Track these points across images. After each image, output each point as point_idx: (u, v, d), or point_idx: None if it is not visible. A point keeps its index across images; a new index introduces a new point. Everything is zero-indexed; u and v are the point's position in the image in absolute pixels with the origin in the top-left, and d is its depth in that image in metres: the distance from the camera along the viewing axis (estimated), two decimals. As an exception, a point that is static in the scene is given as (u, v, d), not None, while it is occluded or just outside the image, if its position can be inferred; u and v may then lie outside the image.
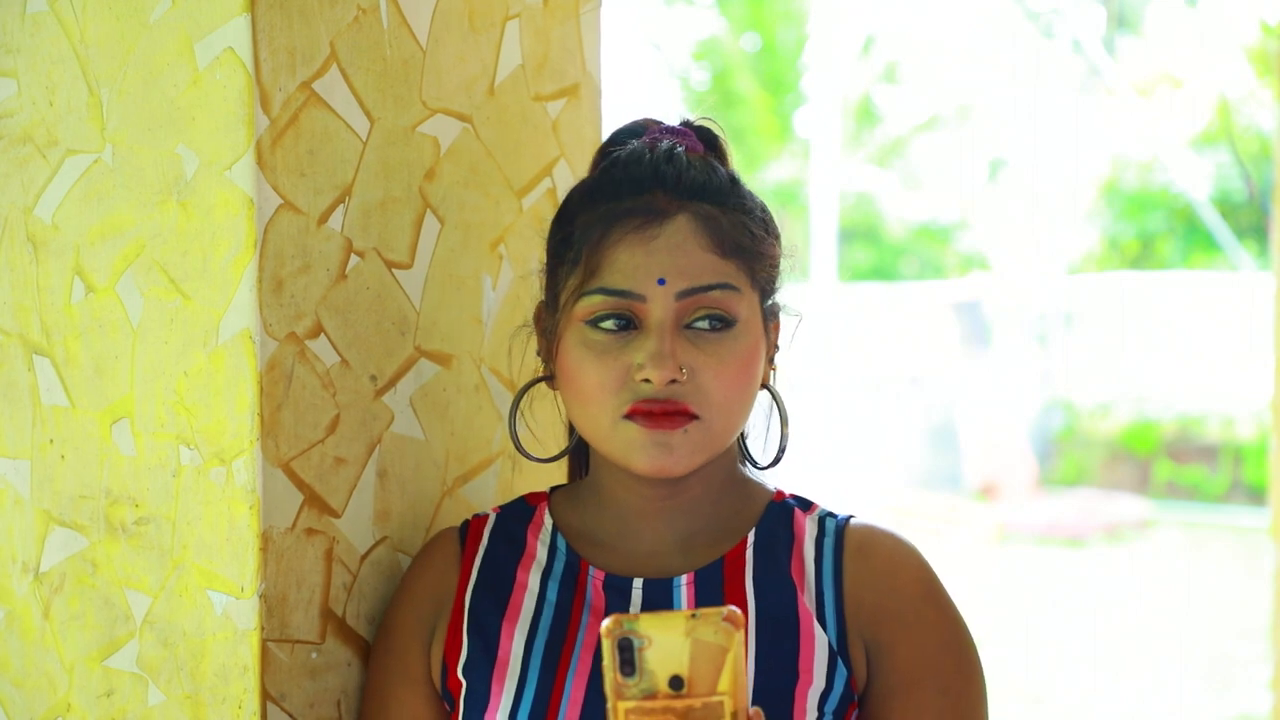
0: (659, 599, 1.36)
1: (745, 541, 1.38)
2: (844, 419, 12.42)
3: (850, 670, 1.32)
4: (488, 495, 1.65)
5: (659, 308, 1.30)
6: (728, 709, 1.05)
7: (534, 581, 1.41)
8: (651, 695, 1.05)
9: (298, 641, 1.44)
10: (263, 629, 1.40)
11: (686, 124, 1.44)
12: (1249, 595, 8.49)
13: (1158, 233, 15.98)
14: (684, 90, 16.98)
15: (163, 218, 1.44)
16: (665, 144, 1.37)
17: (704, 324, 1.31)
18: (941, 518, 10.96)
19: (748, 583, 1.36)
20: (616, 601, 1.36)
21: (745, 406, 1.35)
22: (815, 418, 11.33)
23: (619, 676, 1.04)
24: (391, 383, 1.53)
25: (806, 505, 1.41)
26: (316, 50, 1.45)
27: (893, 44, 16.77)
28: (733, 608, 1.05)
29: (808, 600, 1.34)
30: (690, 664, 1.04)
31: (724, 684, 1.04)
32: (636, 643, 1.04)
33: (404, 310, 1.54)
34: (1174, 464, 12.97)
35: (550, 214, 1.73)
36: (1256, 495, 11.65)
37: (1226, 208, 14.64)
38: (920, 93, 17.02)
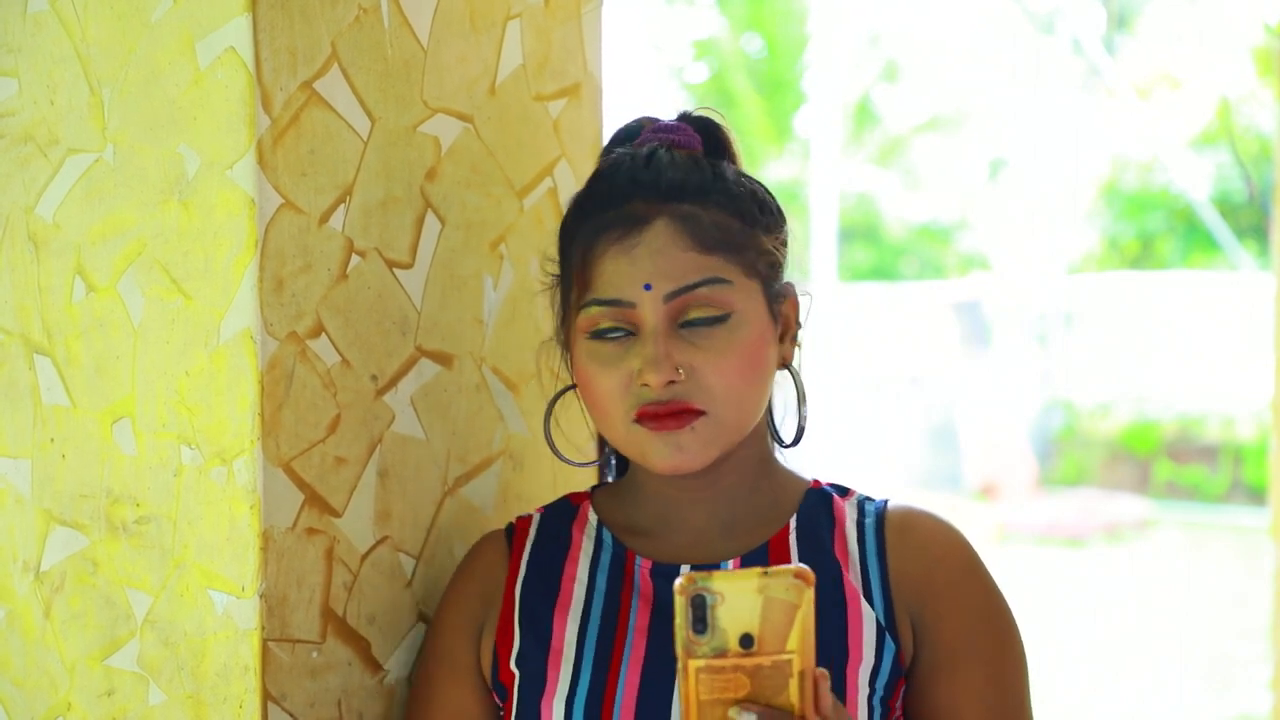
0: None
1: (788, 526, 1.41)
2: (844, 419, 12.42)
3: (898, 645, 1.34)
4: (488, 495, 1.65)
5: (650, 312, 1.33)
6: (795, 667, 1.06)
7: (582, 573, 1.43)
8: (722, 653, 1.05)
9: (298, 641, 1.44)
10: (263, 629, 1.40)
11: (684, 117, 1.46)
12: (1249, 595, 8.50)
13: (1158, 233, 15.99)
14: (684, 90, 16.98)
15: (164, 217, 1.44)
16: (646, 149, 1.40)
17: (699, 321, 1.34)
18: (941, 518, 10.93)
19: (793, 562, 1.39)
20: (665, 587, 1.39)
21: (755, 394, 1.36)
22: (815, 417, 11.32)
23: (691, 634, 1.05)
24: (392, 382, 1.53)
25: (844, 491, 1.45)
26: (318, 50, 1.45)
27: (893, 44, 16.78)
28: (803, 565, 1.06)
29: (853, 578, 1.37)
30: (761, 622, 1.05)
31: (793, 642, 1.05)
32: (710, 599, 1.05)
33: (405, 310, 1.54)
34: (1174, 464, 12.98)
35: (551, 214, 1.73)
36: (1256, 495, 11.66)
37: (1226, 208, 14.65)
38: (920, 93, 17.03)
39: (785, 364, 1.42)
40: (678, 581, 1.06)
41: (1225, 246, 14.23)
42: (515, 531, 1.49)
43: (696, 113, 1.46)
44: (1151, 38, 16.62)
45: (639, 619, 1.38)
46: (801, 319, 1.45)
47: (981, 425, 13.44)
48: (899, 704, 1.35)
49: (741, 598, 1.05)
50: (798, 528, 1.40)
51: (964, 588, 1.37)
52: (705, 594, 1.05)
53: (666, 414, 1.33)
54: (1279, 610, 4.27)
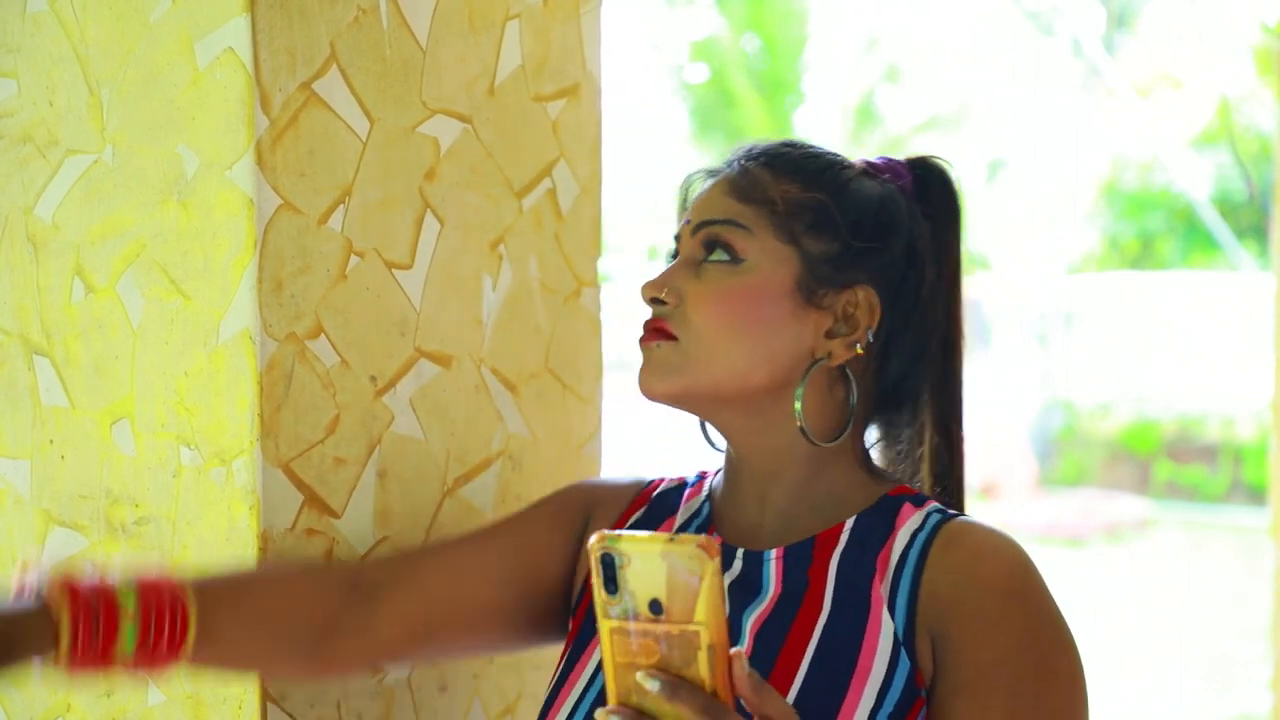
0: (753, 571, 1.37)
1: (843, 525, 1.37)
2: (844, 419, 12.40)
3: (914, 663, 1.29)
4: (488, 495, 1.65)
5: (684, 243, 1.40)
6: (704, 640, 1.04)
7: (679, 522, 1.45)
8: (634, 616, 1.04)
9: (298, 642, 1.44)
10: (263, 629, 1.40)
11: (913, 161, 1.47)
12: (1249, 595, 8.50)
13: (1158, 233, 15.99)
14: (684, 90, 16.98)
15: (163, 218, 1.44)
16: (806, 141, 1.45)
17: (714, 261, 1.37)
18: (941, 518, 10.94)
19: (832, 565, 1.35)
20: (723, 567, 1.38)
21: (737, 346, 1.35)
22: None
23: (604, 593, 1.05)
24: (391, 383, 1.53)
25: (921, 501, 1.38)
26: (316, 50, 1.44)
27: (893, 44, 16.77)
28: (709, 537, 1.04)
29: (883, 587, 1.32)
30: (667, 589, 1.03)
31: (700, 614, 1.03)
32: (617, 560, 1.04)
33: (404, 310, 1.54)
34: (1174, 464, 12.98)
35: (550, 214, 1.73)
36: (1256, 495, 11.66)
37: (1226, 208, 14.65)
38: (920, 93, 17.02)
39: (823, 359, 1.37)
40: (591, 540, 1.05)
41: (1225, 246, 14.24)
42: (647, 487, 1.50)
43: (932, 159, 1.48)
44: (1151, 38, 16.61)
45: None
46: (871, 336, 1.38)
47: (981, 425, 13.44)
48: None
49: (647, 562, 1.03)
50: (853, 528, 1.36)
51: (999, 611, 1.28)
52: (613, 554, 1.04)
53: (646, 328, 1.37)
54: (1279, 610, 4.27)
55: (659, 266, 1.41)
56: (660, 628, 1.04)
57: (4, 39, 1.53)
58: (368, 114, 1.50)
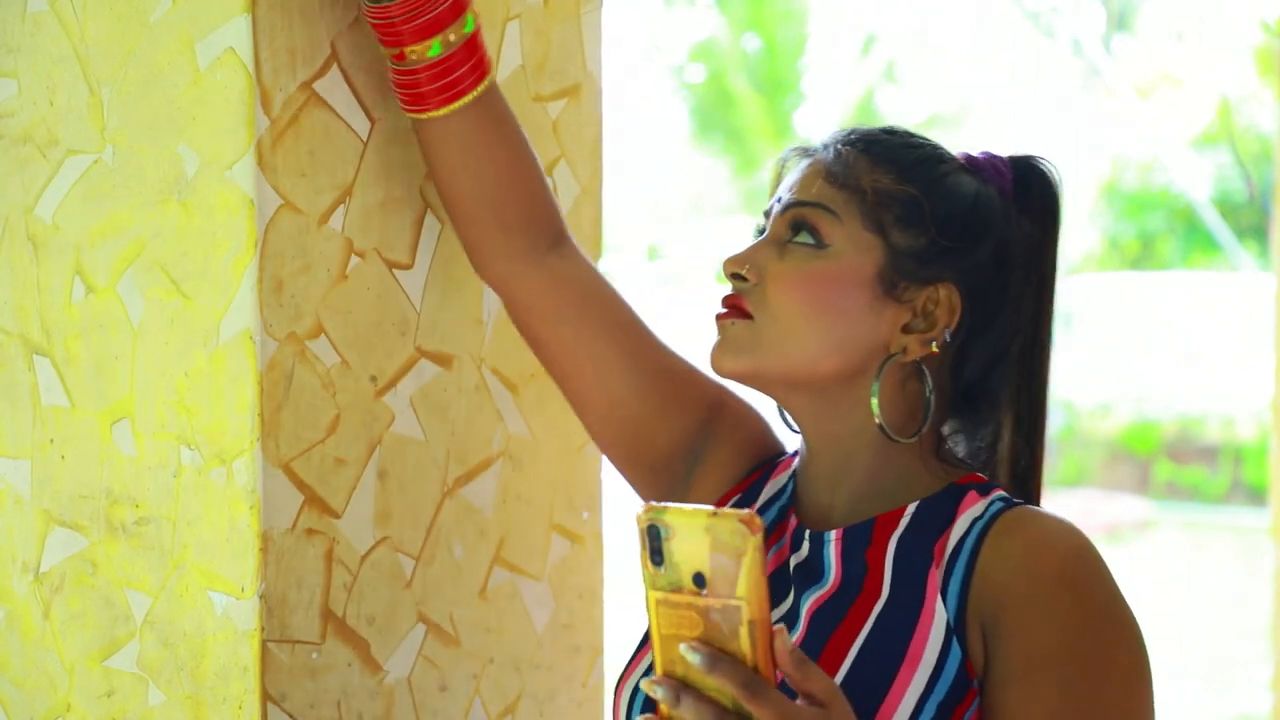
0: (815, 553, 1.37)
1: (904, 509, 1.36)
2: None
3: (965, 652, 1.27)
4: (488, 496, 1.65)
5: (773, 221, 1.39)
6: (745, 615, 1.04)
7: (763, 499, 1.47)
8: (678, 589, 1.05)
9: (298, 642, 1.44)
10: (263, 629, 1.40)
11: (1016, 159, 1.47)
12: (1249, 595, 8.49)
13: (1158, 233, 15.98)
14: (683, 90, 16.98)
15: (163, 218, 1.44)
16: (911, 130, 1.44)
17: (800, 243, 1.36)
18: (941, 518, 10.94)
19: (890, 549, 1.34)
20: (793, 547, 1.39)
21: (810, 327, 1.34)
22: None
23: (650, 565, 1.05)
24: (392, 383, 1.53)
25: (988, 490, 1.37)
26: (317, 50, 1.44)
27: (893, 44, 16.77)
28: (751, 512, 1.04)
29: (938, 574, 1.30)
30: (710, 563, 1.04)
31: (741, 589, 1.03)
32: (664, 532, 1.04)
33: (404, 310, 1.54)
34: (1174, 464, 12.97)
35: (551, 214, 1.73)
36: (1256, 495, 11.65)
37: (1226, 208, 14.64)
38: (920, 93, 17.02)
39: (899, 353, 1.35)
40: (638, 511, 1.05)
41: (1225, 246, 14.23)
42: (775, 462, 1.52)
43: (1036, 159, 1.47)
44: (1151, 38, 16.61)
45: (769, 568, 1.39)
46: (949, 335, 1.37)
47: (981, 425, 13.42)
48: (969, 715, 1.26)
49: (691, 535, 1.04)
50: (914, 513, 1.35)
51: (1052, 600, 1.26)
52: (659, 525, 1.04)
53: (725, 304, 1.37)
54: (1279, 610, 4.27)
55: (743, 242, 1.41)
56: (703, 601, 1.04)
57: (4, 39, 1.53)
58: (368, 114, 1.50)
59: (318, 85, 1.44)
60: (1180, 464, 12.96)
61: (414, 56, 1.42)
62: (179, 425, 1.44)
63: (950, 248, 1.36)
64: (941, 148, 1.43)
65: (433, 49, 1.41)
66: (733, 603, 1.04)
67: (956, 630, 1.27)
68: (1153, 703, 1.26)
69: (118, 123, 1.46)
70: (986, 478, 1.39)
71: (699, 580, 1.04)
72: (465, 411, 1.62)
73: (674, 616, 1.05)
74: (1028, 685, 1.23)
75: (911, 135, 1.42)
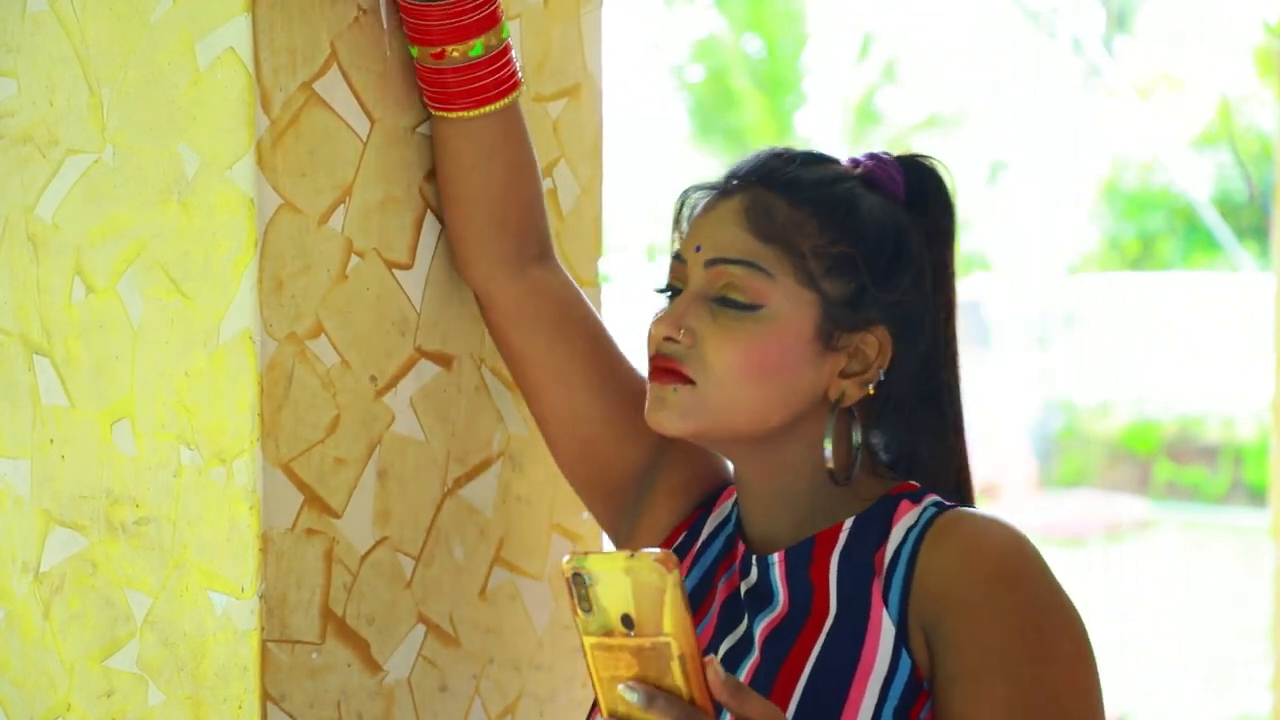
0: (764, 575, 1.38)
1: (842, 526, 1.37)
2: (844, 419, 12.38)
3: (913, 659, 1.29)
4: (488, 495, 1.65)
5: (693, 273, 1.36)
6: (674, 650, 1.07)
7: (706, 538, 1.48)
8: (609, 632, 1.08)
9: (298, 642, 1.44)
10: (263, 629, 1.40)
11: (904, 159, 1.45)
12: (1249, 595, 8.49)
13: (1158, 233, 15.98)
14: (684, 90, 16.98)
15: (163, 218, 1.44)
16: (795, 147, 1.43)
17: (730, 303, 1.34)
18: (941, 518, 10.93)
19: (833, 565, 1.35)
20: (742, 574, 1.41)
21: (756, 390, 1.34)
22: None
23: (580, 612, 1.08)
24: (392, 383, 1.53)
25: (919, 497, 1.38)
26: (317, 50, 1.44)
27: (892, 44, 16.77)
28: (668, 551, 1.07)
29: (880, 585, 1.32)
30: (635, 604, 1.07)
31: (667, 625, 1.07)
32: (587, 579, 1.08)
33: (404, 310, 1.54)
34: (1174, 464, 12.97)
35: (552, 214, 1.73)
36: (1256, 495, 11.65)
37: (1226, 208, 14.63)
38: (920, 93, 17.02)
39: (839, 400, 1.37)
40: (563, 561, 1.08)
41: (1225, 246, 14.23)
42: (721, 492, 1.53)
43: (925, 159, 1.45)
44: (1151, 38, 16.61)
45: (720, 597, 1.41)
46: (892, 372, 1.38)
47: (981, 425, 13.43)
48: (923, 716, 1.29)
49: (613, 579, 1.07)
50: (851, 528, 1.36)
51: (990, 598, 1.28)
52: (583, 573, 1.08)
53: (656, 368, 1.36)
54: (1279, 610, 4.27)
55: (662, 301, 1.39)
56: (634, 641, 1.08)
57: (4, 39, 1.53)
58: (368, 114, 1.50)
59: (318, 85, 1.44)
60: (1180, 464, 12.96)
61: (456, 54, 1.45)
62: (179, 425, 1.44)
63: (878, 287, 1.36)
64: (840, 166, 1.42)
65: (475, 49, 1.45)
66: (661, 640, 1.07)
67: (901, 637, 1.30)
68: (1099, 686, 1.28)
69: (118, 123, 1.46)
70: (918, 485, 1.40)
71: (627, 621, 1.07)
72: (465, 411, 1.62)
73: (609, 659, 1.09)
74: (975, 682, 1.26)
75: (814, 161, 1.41)
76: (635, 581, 1.06)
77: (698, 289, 1.35)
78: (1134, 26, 16.68)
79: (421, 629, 1.57)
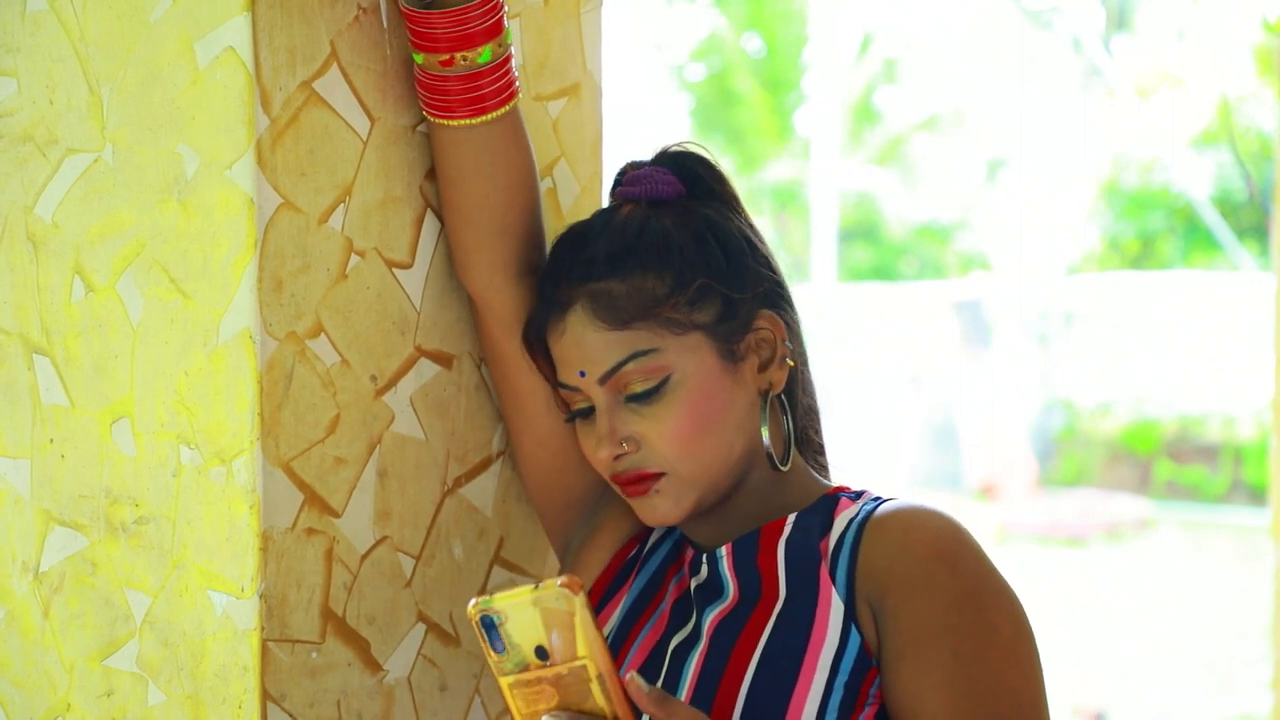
0: (713, 570, 1.43)
1: (786, 520, 1.43)
2: (844, 419, 12.42)
3: (862, 635, 1.34)
4: (488, 495, 1.65)
5: (592, 393, 1.41)
6: (591, 672, 1.10)
7: (653, 546, 1.52)
8: (525, 667, 1.11)
9: (298, 641, 1.44)
10: (263, 629, 1.40)
11: (660, 157, 1.50)
12: (1249, 595, 8.50)
13: (1158, 233, 15.99)
14: (684, 90, 16.99)
15: (163, 217, 1.44)
16: (579, 227, 1.47)
17: (639, 395, 1.39)
18: (941, 517, 10.94)
19: (779, 552, 1.41)
20: (692, 572, 1.45)
21: (714, 442, 1.40)
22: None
23: (494, 654, 1.11)
24: (392, 382, 1.53)
25: (857, 495, 1.45)
26: (317, 50, 1.44)
27: (892, 44, 16.78)
28: (569, 575, 1.10)
29: (827, 567, 1.38)
30: (547, 633, 1.10)
31: (581, 648, 1.09)
32: (496, 619, 1.10)
33: (404, 310, 1.54)
34: (1174, 464, 12.98)
35: (551, 214, 1.73)
36: (1256, 495, 11.66)
37: (1227, 208, 14.64)
38: (920, 92, 17.03)
39: (770, 390, 1.43)
40: (468, 608, 1.11)
41: (1225, 246, 14.23)
42: None
43: (676, 149, 1.50)
44: (1151, 37, 16.62)
45: (671, 595, 1.46)
46: (790, 337, 1.45)
47: (981, 425, 13.43)
48: (874, 691, 1.34)
49: (521, 614, 1.10)
50: (796, 521, 1.42)
51: (930, 576, 1.33)
52: (491, 615, 1.10)
53: (627, 481, 1.41)
54: (1279, 610, 4.27)
55: (587, 420, 1.43)
56: (551, 671, 1.11)
57: (4, 38, 1.53)
58: (368, 113, 1.50)
59: (317, 85, 1.44)
60: (1180, 464, 12.97)
61: (464, 61, 1.44)
62: (179, 425, 1.44)
63: (736, 286, 1.41)
64: (622, 210, 1.46)
65: (483, 55, 1.45)
66: (577, 664, 1.10)
67: (850, 614, 1.35)
68: (1039, 661, 1.34)
69: (117, 122, 1.46)
70: (851, 488, 1.47)
71: (541, 653, 1.10)
72: (465, 411, 1.62)
73: (529, 694, 1.11)
74: (919, 657, 1.31)
75: (602, 227, 1.45)
76: (544, 611, 1.09)
77: (608, 403, 1.40)
78: (1134, 25, 16.69)
79: (421, 628, 1.57)
